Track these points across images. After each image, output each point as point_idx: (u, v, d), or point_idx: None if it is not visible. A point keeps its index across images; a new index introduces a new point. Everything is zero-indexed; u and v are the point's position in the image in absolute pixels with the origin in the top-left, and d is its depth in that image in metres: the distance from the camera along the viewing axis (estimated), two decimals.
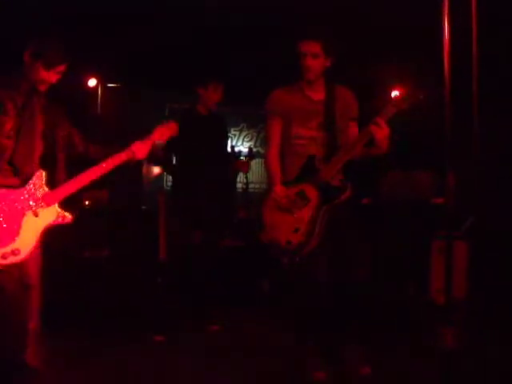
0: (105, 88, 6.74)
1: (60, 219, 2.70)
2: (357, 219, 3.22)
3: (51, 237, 2.78)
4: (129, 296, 4.67)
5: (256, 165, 7.80)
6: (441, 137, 2.29)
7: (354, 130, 3.21)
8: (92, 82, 6.53)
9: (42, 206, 2.64)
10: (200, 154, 4.24)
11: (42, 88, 2.76)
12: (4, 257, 2.51)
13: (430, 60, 3.02)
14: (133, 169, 3.15)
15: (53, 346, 3.42)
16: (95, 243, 5.17)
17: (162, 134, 3.06)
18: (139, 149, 2.94)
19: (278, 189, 3.07)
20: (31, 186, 2.64)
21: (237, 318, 4.34)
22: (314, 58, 3.01)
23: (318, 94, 3.15)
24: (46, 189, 2.67)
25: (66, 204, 2.77)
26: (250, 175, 5.88)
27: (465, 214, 4.93)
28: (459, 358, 2.28)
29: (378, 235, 5.28)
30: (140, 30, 5.19)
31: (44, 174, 2.68)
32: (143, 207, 6.32)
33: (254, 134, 7.95)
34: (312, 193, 3.01)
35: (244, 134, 7.90)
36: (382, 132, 2.85)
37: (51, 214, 2.68)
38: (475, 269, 4.75)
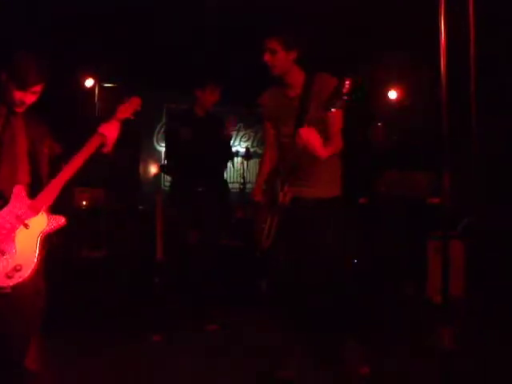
0: (102, 88, 6.73)
1: (53, 224, 2.69)
2: (337, 219, 3.17)
3: (49, 238, 2.78)
4: (127, 296, 4.67)
5: (253, 165, 7.80)
6: (438, 137, 2.29)
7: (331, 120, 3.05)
8: (89, 83, 6.52)
9: (30, 217, 2.63)
10: (198, 154, 4.23)
11: (19, 110, 2.65)
12: (9, 276, 2.49)
13: (427, 60, 3.03)
14: (129, 169, 3.14)
15: (52, 346, 3.43)
16: (93, 243, 5.17)
17: (126, 110, 2.93)
18: (109, 129, 2.81)
19: (254, 189, 3.36)
20: (13, 201, 2.60)
21: (237, 318, 4.33)
22: (273, 54, 3.02)
23: (295, 90, 3.13)
24: (29, 200, 2.65)
25: (57, 207, 2.76)
26: (247, 175, 5.89)
27: (462, 213, 4.95)
28: (457, 357, 2.29)
29: (375, 235, 5.30)
30: (137, 30, 5.19)
31: (22, 187, 2.64)
32: (140, 207, 6.31)
33: (251, 134, 7.95)
34: (266, 195, 3.18)
35: (241, 134, 7.90)
36: (301, 141, 2.86)
37: (42, 222, 2.65)
38: (474, 268, 4.77)
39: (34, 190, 2.73)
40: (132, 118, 2.98)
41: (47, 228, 2.66)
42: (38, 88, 2.63)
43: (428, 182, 5.38)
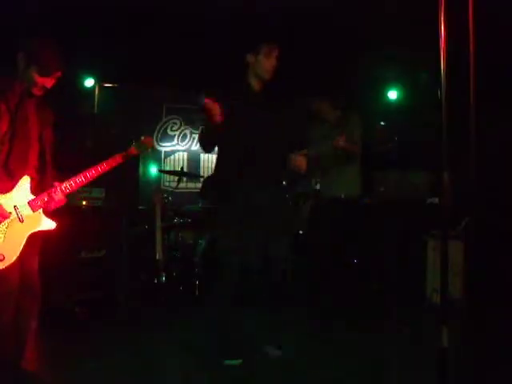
0: (102, 88, 6.73)
1: (45, 226, 2.69)
2: None
3: (48, 238, 2.78)
4: (127, 296, 4.67)
5: None
6: (438, 136, 2.29)
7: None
8: (89, 83, 6.53)
9: (26, 212, 2.63)
10: (252, 145, 3.27)
11: (37, 92, 2.70)
12: None
13: (427, 59, 3.03)
14: (129, 168, 3.16)
15: (51, 347, 3.44)
16: (92, 243, 5.16)
17: (139, 146, 3.12)
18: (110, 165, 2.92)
19: None
20: (16, 191, 2.61)
21: (236, 318, 4.32)
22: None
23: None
24: (31, 195, 2.66)
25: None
26: None
27: (462, 213, 4.95)
28: (456, 357, 2.30)
29: (375, 235, 5.29)
30: (137, 29, 5.19)
31: (29, 179, 2.65)
32: (140, 207, 6.30)
33: None
34: None
35: None
36: None
37: (36, 221, 2.66)
38: (473, 269, 4.76)
39: (40, 175, 2.74)
40: (142, 154, 3.19)
41: (40, 228, 2.66)
42: (59, 73, 2.71)
43: (427, 181, 5.38)
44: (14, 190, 2.60)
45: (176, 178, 5.75)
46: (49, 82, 2.70)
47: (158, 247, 4.87)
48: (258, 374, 3.21)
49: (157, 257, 4.84)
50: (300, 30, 4.80)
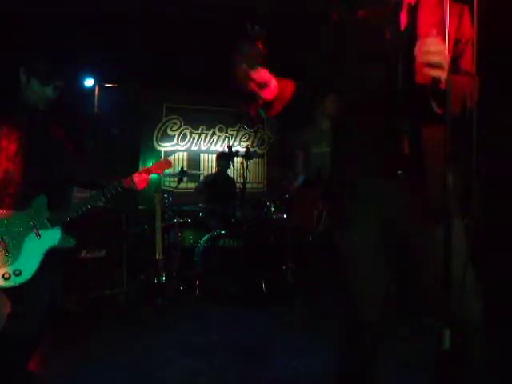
0: (102, 88, 6.74)
1: (63, 243, 2.70)
2: None
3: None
4: (126, 296, 4.68)
5: (253, 165, 7.82)
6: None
7: None
8: (89, 82, 6.55)
9: (44, 228, 2.64)
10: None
11: (42, 106, 2.71)
12: (5, 277, 2.50)
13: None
14: (129, 168, 3.16)
15: (51, 347, 3.44)
16: (92, 243, 5.17)
17: (158, 167, 3.16)
18: (140, 180, 3.01)
19: None
20: (34, 208, 2.63)
21: (237, 318, 4.34)
22: None
23: None
24: (49, 211, 2.67)
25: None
26: (246, 175, 5.89)
27: (463, 212, 4.94)
28: (457, 357, 2.29)
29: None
30: (137, 30, 5.20)
31: (45, 196, 2.67)
32: (140, 207, 6.31)
33: (251, 133, 7.96)
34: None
35: (241, 133, 7.91)
36: None
37: (55, 237, 2.68)
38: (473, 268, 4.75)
39: (56, 191, 2.75)
40: (162, 174, 3.17)
41: (57, 244, 2.67)
42: (59, 83, 2.70)
43: None
44: (32, 206, 2.63)
45: (176, 178, 5.76)
46: (50, 92, 2.68)
47: (158, 247, 4.86)
48: (258, 374, 3.21)
49: (157, 257, 4.84)
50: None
